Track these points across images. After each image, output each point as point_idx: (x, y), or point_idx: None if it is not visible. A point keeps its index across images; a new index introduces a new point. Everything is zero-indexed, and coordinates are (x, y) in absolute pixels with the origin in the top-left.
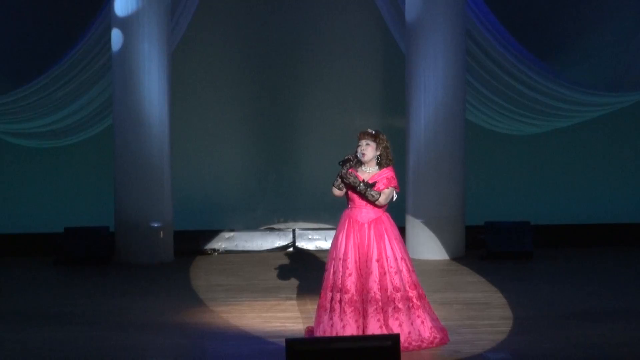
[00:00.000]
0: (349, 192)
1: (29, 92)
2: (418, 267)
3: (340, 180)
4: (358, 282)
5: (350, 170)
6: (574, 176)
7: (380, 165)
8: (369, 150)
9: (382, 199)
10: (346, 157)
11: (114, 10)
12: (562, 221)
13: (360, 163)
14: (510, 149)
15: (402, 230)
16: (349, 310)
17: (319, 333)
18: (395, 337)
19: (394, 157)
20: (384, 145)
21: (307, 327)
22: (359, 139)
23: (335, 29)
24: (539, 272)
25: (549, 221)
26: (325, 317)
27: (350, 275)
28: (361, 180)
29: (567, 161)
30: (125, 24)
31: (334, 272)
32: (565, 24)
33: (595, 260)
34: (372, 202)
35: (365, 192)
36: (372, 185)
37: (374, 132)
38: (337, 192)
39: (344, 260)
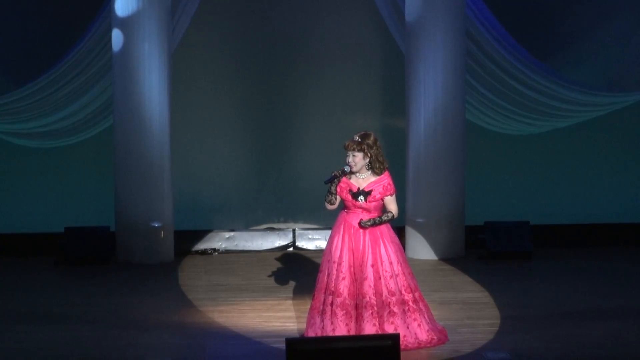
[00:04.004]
0: (344, 201)
1: (29, 92)
2: (417, 267)
3: (330, 195)
4: (351, 287)
5: (345, 180)
6: (573, 176)
7: (373, 170)
8: (357, 161)
9: (395, 211)
10: (332, 175)
11: (115, 10)
12: (562, 221)
13: (352, 172)
14: (510, 149)
15: (401, 230)
16: (340, 313)
17: (309, 335)
18: (395, 337)
19: (386, 158)
20: (373, 149)
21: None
22: (346, 150)
23: (335, 28)
24: (539, 272)
25: (549, 221)
26: (317, 319)
27: (343, 279)
28: (356, 188)
29: (566, 161)
30: (125, 24)
31: (328, 275)
32: (565, 24)
33: (595, 260)
34: (389, 221)
35: (382, 222)
36: (367, 193)
37: (359, 139)
38: (329, 206)
39: (339, 264)
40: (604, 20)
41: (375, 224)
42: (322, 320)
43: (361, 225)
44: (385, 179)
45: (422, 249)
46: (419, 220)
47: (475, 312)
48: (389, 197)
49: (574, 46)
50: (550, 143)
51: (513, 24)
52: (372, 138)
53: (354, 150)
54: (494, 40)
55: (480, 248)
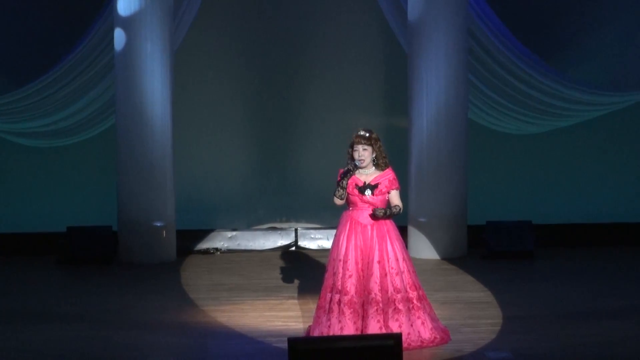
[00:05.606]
0: (350, 196)
1: (32, 91)
2: (419, 267)
3: (341, 190)
4: (358, 284)
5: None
6: (575, 176)
7: (377, 165)
8: (366, 155)
9: (401, 205)
10: (346, 169)
11: (117, 9)
12: (564, 221)
13: (357, 167)
14: (511, 148)
15: (403, 230)
16: (348, 311)
17: (315, 334)
18: (397, 337)
19: (387, 154)
20: (378, 144)
21: (309, 327)
22: (355, 144)
23: (337, 28)
24: (540, 271)
25: (551, 221)
26: (324, 318)
27: (350, 276)
28: (362, 183)
29: (568, 161)
30: (128, 23)
31: (334, 273)
32: (567, 23)
33: (596, 259)
34: (396, 215)
35: (393, 214)
36: (374, 187)
37: (367, 134)
38: (338, 201)
39: (345, 261)
40: (607, 19)
41: (386, 214)
42: (329, 319)
43: (375, 213)
44: (390, 173)
45: (424, 249)
46: (421, 219)
47: (477, 312)
48: (394, 191)
49: (577, 45)
50: (552, 142)
51: (516, 23)
52: (375, 134)
53: (364, 144)
54: (496, 39)
55: (482, 247)
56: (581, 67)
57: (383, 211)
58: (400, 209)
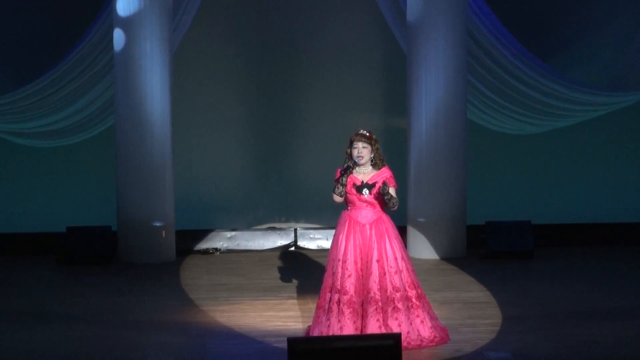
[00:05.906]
0: (348, 195)
1: (31, 91)
2: (418, 267)
3: (340, 187)
4: (357, 284)
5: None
6: (574, 176)
7: (375, 165)
8: (365, 153)
9: (398, 200)
10: (346, 166)
11: (116, 10)
12: (563, 220)
13: (356, 163)
14: (511, 148)
15: (402, 230)
16: (347, 311)
17: (315, 333)
18: (397, 336)
19: (385, 155)
20: (377, 144)
21: (308, 327)
22: (355, 141)
23: (336, 28)
24: (540, 271)
25: (550, 220)
26: (323, 318)
27: (349, 276)
28: (360, 182)
29: (567, 161)
30: (127, 23)
31: (333, 273)
32: (566, 24)
33: (596, 259)
34: (393, 206)
35: (392, 203)
36: (372, 186)
37: (367, 133)
38: (338, 198)
39: (344, 261)
40: (605, 20)
41: (389, 193)
42: (329, 319)
43: (381, 190)
44: (387, 171)
45: (423, 249)
46: (421, 219)
47: (476, 312)
48: (392, 188)
49: (575, 46)
50: (551, 142)
51: (514, 24)
52: (374, 135)
53: (364, 142)
54: (495, 39)
55: (481, 247)
56: (580, 67)
57: (387, 189)
58: (397, 202)
